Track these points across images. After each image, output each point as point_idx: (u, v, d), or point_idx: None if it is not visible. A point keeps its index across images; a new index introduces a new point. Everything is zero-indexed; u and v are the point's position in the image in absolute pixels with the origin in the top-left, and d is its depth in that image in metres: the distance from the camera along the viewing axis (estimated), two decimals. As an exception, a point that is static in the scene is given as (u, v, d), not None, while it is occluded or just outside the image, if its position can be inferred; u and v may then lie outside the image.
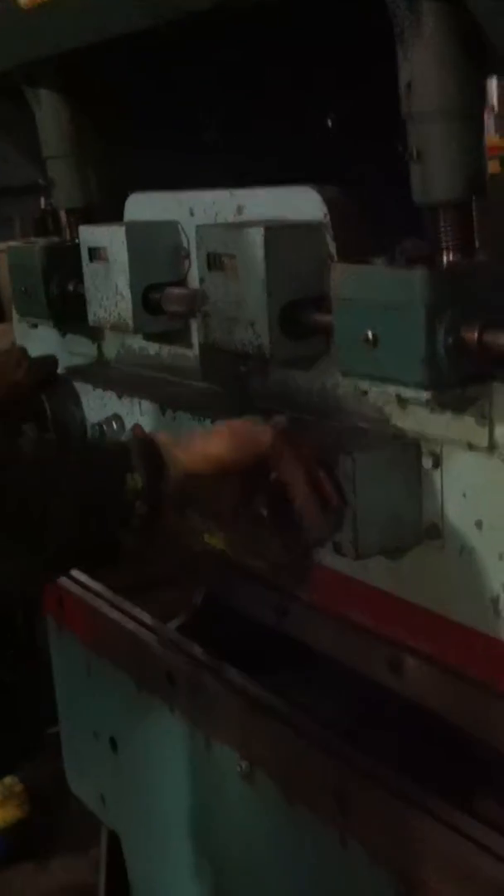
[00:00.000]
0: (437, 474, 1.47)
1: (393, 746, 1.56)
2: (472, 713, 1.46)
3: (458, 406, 1.39)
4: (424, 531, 1.50)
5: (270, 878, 1.78)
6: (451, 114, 1.33)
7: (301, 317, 1.53)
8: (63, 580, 2.28)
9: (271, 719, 1.68)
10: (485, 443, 1.38)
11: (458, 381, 1.33)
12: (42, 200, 2.99)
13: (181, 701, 1.91)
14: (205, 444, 1.40)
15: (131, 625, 2.08)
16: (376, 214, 1.56)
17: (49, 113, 2.11)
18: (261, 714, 1.71)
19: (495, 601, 1.41)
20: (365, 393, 1.46)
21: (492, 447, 1.38)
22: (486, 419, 1.37)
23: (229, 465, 1.40)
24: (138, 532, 1.38)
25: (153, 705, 2.00)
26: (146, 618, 2.09)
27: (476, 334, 1.29)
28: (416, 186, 1.37)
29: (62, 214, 2.21)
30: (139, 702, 2.05)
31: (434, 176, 1.35)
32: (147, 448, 1.37)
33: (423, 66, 1.31)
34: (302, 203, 1.58)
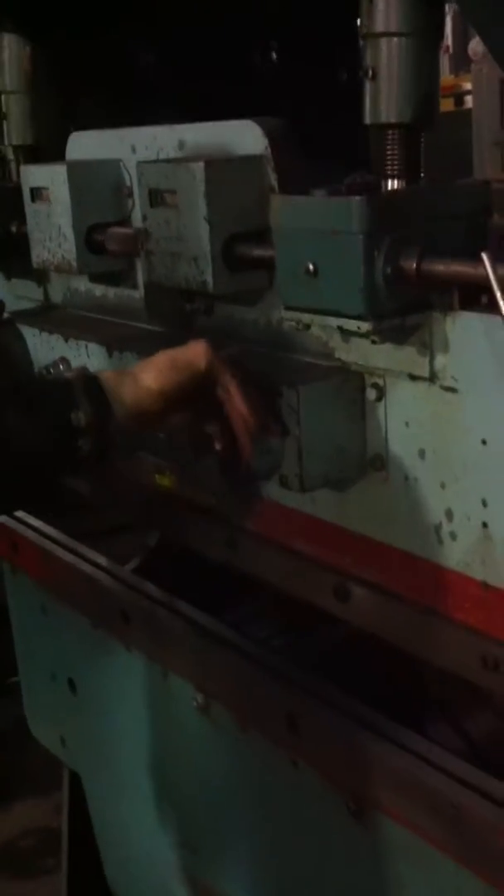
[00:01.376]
0: (380, 406, 1.49)
1: (343, 672, 1.59)
2: (418, 637, 1.50)
3: (399, 336, 1.40)
4: (369, 462, 1.52)
5: (229, 808, 1.83)
6: (411, 34, 1.32)
7: (243, 250, 1.53)
8: (16, 524, 2.29)
9: (223, 648, 1.71)
10: (426, 373, 1.40)
11: (398, 310, 1.34)
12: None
13: (137, 638, 1.93)
14: (147, 376, 1.40)
15: (85, 565, 2.09)
16: (319, 146, 1.56)
17: (11, 47, 2.09)
18: (213, 644, 1.73)
19: (438, 528, 1.44)
20: (308, 327, 1.47)
21: (433, 377, 1.40)
22: (427, 349, 1.39)
23: (172, 396, 1.41)
24: (83, 469, 1.38)
25: (109, 644, 2.02)
26: (100, 559, 2.10)
27: (414, 263, 1.30)
28: (367, 106, 1.37)
29: (9, 150, 2.19)
30: (95, 641, 2.07)
31: (386, 96, 1.35)
32: (91, 385, 1.37)
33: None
34: (243, 137, 1.58)
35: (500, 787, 1.33)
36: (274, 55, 2.44)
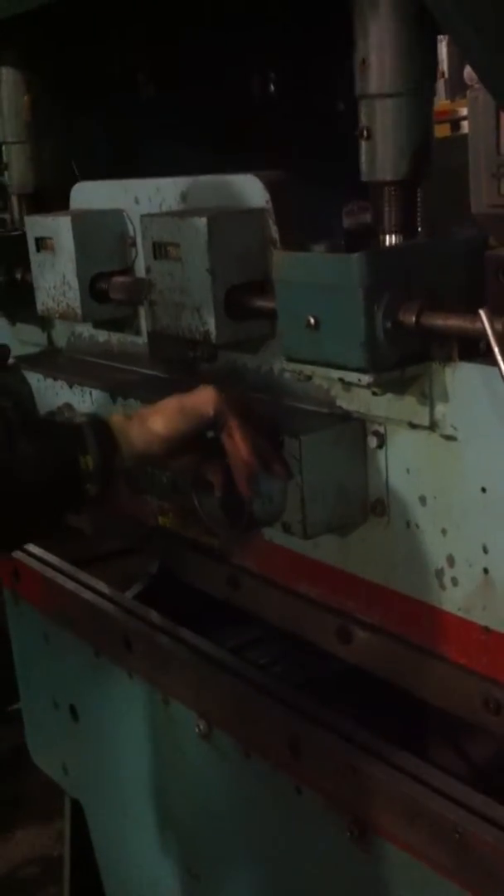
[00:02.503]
0: (381, 453, 1.52)
1: (346, 714, 1.61)
2: (420, 680, 1.52)
3: (400, 387, 1.43)
4: (370, 508, 1.55)
5: (232, 834, 1.84)
6: (403, 94, 1.38)
7: (245, 301, 1.57)
8: (18, 553, 2.31)
9: (225, 675, 1.72)
10: (426, 421, 1.43)
11: (398, 362, 1.37)
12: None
13: (139, 665, 1.95)
14: (155, 421, 1.43)
15: (87, 593, 2.11)
16: (320, 192, 1.59)
17: (9, 97, 2.14)
18: (215, 670, 1.75)
19: (439, 573, 1.47)
20: (309, 377, 1.50)
21: (433, 425, 1.43)
22: (427, 398, 1.42)
23: (179, 442, 1.43)
24: (87, 511, 1.41)
25: (111, 671, 2.03)
26: (102, 586, 2.12)
27: (414, 317, 1.33)
28: (363, 164, 1.42)
29: (13, 199, 2.23)
30: (97, 668, 2.09)
31: (382, 155, 1.40)
32: (100, 430, 1.40)
33: (378, 45, 1.36)
34: (245, 190, 1.62)
35: (504, 811, 1.35)
36: (272, 86, 2.49)
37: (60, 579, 2.19)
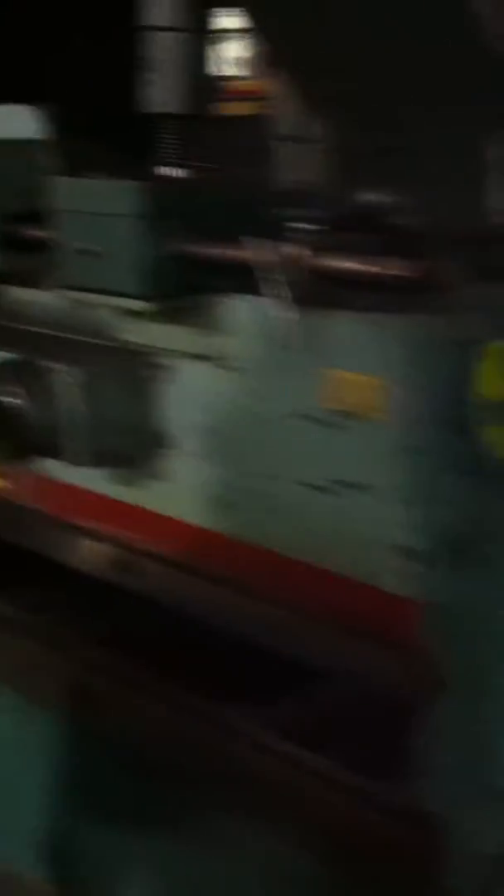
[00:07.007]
0: (163, 385, 1.53)
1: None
2: (199, 603, 1.55)
3: (180, 318, 1.45)
4: (154, 440, 1.56)
5: (24, 786, 1.82)
6: (182, 29, 1.40)
7: (22, 232, 1.54)
8: None
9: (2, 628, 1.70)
10: (206, 352, 1.46)
11: (177, 292, 1.39)
12: None
13: None
14: None
15: None
16: (104, 131, 1.58)
17: None
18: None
19: (219, 500, 1.50)
20: (91, 307, 1.49)
21: (212, 356, 1.45)
22: (206, 330, 1.44)
23: None
24: None
25: None
26: None
27: (191, 246, 1.36)
28: (143, 96, 1.42)
29: None
30: None
31: (163, 87, 1.41)
32: None
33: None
34: (20, 121, 1.58)
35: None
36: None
37: None
